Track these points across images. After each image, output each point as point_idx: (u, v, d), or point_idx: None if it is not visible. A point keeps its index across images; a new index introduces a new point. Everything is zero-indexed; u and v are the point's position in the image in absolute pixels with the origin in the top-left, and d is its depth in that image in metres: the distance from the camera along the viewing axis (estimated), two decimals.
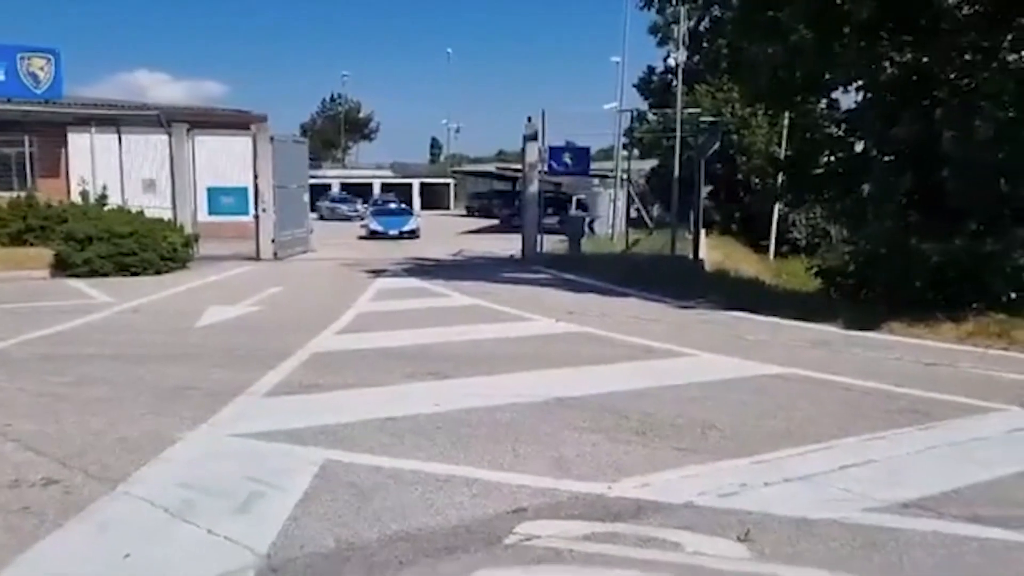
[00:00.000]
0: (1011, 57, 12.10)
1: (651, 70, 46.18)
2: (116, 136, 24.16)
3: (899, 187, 13.22)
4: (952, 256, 11.29)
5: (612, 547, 3.81)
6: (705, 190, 24.92)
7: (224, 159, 23.36)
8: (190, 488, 4.54)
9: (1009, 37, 11.92)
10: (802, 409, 6.41)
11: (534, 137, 20.52)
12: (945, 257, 11.29)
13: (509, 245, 23.01)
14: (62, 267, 16.02)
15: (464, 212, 56.71)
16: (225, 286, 15.05)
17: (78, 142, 25.14)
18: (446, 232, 33.37)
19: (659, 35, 40.73)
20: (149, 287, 14.30)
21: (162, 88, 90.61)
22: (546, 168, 21.57)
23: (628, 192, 30.06)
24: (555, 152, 21.88)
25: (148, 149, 22.34)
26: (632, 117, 32.38)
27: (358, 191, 56.38)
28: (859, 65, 13.26)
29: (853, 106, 14.98)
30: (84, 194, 20.03)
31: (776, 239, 34.64)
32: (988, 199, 11.83)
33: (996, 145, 11.33)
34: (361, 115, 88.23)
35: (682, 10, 29.45)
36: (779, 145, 31.29)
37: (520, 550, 3.80)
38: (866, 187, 14.30)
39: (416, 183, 64.29)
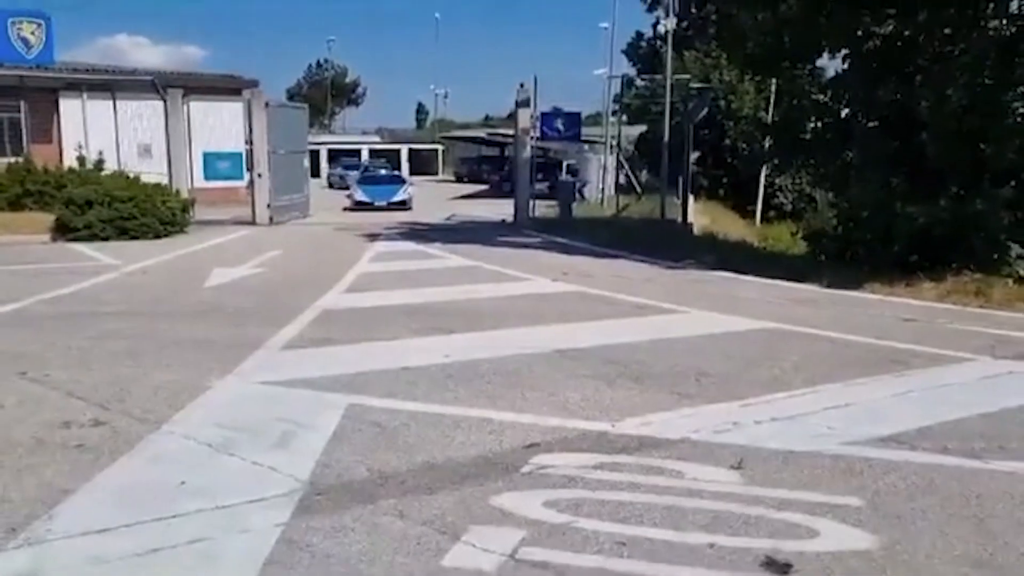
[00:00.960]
0: (992, 23, 12.48)
1: (639, 35, 46.30)
2: (108, 102, 24.27)
3: (883, 152, 13.65)
4: (936, 217, 11.73)
5: (620, 475, 4.24)
6: (693, 156, 25.28)
7: (217, 124, 23.56)
8: (227, 428, 4.93)
9: (991, 6, 12.30)
10: (788, 359, 6.85)
11: (526, 103, 20.79)
12: (930, 218, 11.73)
13: (500, 210, 23.35)
14: (63, 231, 16.29)
15: (452, 178, 56.81)
16: (225, 249, 15.36)
17: (70, 107, 25.17)
18: (437, 198, 33.59)
19: (648, 0, 40.74)
20: (151, 250, 14.60)
21: (142, 52, 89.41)
22: (538, 134, 21.83)
23: (617, 158, 30.33)
24: (547, 118, 22.16)
25: (142, 114, 22.51)
26: (622, 83, 32.44)
27: (347, 157, 56.38)
28: (844, 34, 13.61)
29: (838, 72, 15.36)
30: (81, 159, 20.20)
31: (763, 204, 35.06)
32: (968, 163, 12.26)
33: (972, 112, 11.73)
34: (348, 80, 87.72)
35: None
36: (766, 111, 31.59)
37: (537, 477, 4.22)
38: (851, 152, 14.73)
39: (405, 149, 64.28)
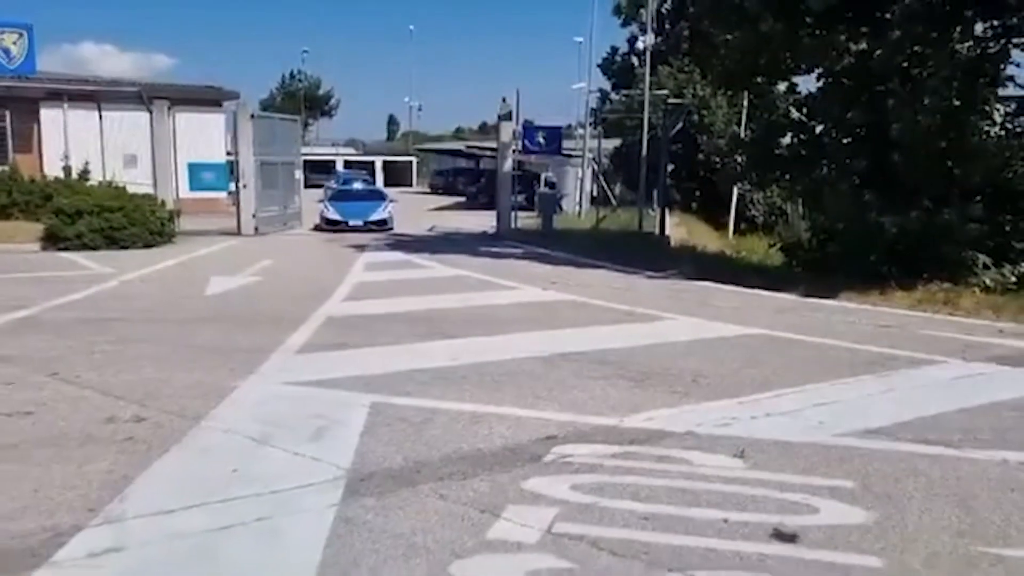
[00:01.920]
0: (959, 47, 13.10)
1: (614, 50, 46.88)
2: (92, 112, 24.36)
3: (855, 168, 14.25)
4: (908, 228, 12.30)
5: (635, 462, 4.65)
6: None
7: (201, 135, 23.74)
8: (264, 423, 5.28)
9: (958, 29, 12.91)
10: (776, 362, 7.32)
11: (508, 117, 21.27)
12: (901, 230, 12.29)
13: (478, 221, 23.78)
14: (52, 241, 16.47)
15: (427, 190, 57.12)
16: (217, 259, 15.63)
17: (50, 117, 25.18)
18: (416, 209, 33.81)
19: (623, 16, 41.39)
20: (143, 260, 14.82)
21: (109, 60, 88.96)
22: (520, 147, 22.27)
23: (594, 171, 30.87)
24: (528, 131, 22.59)
25: (126, 125, 22.65)
26: (600, 99, 33.01)
27: (320, 169, 56.41)
28: (819, 53, 14.21)
29: (811, 93, 15.96)
30: (67, 169, 20.33)
31: (735, 216, 35.74)
32: (938, 178, 12.86)
33: (940, 132, 12.33)
34: (321, 92, 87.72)
35: None
36: (738, 125, 32.28)
37: (561, 464, 4.62)
38: (825, 167, 15.31)
39: (379, 160, 64.48)
